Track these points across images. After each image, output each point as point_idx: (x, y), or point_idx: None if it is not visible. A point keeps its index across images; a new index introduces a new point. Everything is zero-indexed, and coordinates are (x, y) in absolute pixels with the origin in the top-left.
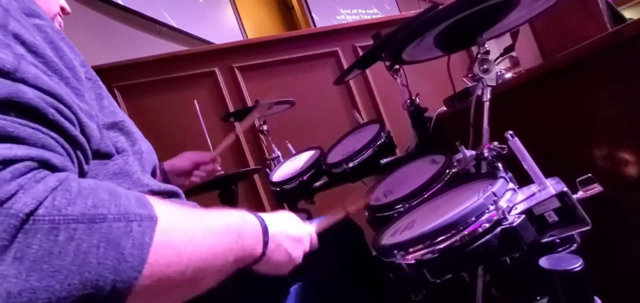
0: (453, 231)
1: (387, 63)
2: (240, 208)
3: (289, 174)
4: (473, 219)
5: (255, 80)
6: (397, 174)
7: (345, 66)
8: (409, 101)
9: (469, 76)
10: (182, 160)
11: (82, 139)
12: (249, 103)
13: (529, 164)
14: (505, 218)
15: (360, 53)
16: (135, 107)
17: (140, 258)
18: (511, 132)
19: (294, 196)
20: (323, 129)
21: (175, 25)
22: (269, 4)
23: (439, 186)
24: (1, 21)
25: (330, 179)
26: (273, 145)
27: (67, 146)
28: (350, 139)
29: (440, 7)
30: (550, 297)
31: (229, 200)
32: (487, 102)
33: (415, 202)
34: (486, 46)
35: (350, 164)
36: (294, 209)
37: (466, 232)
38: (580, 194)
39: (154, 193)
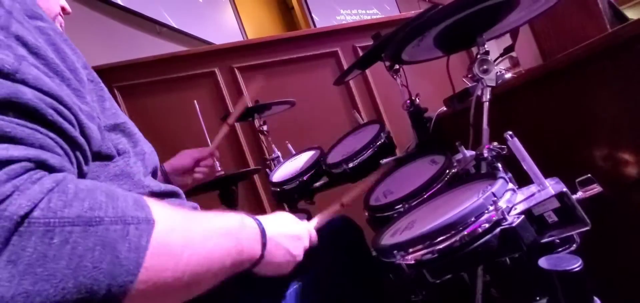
0: (453, 232)
1: (387, 63)
2: (241, 208)
3: (289, 175)
4: (473, 219)
5: (255, 80)
6: (397, 174)
7: (345, 66)
8: (408, 101)
9: (469, 76)
10: (182, 159)
11: (81, 140)
12: (249, 104)
13: (529, 164)
14: (504, 219)
15: (360, 53)
16: (135, 107)
17: (136, 262)
18: (511, 132)
19: (294, 197)
20: (323, 129)
21: (175, 26)
22: (269, 5)
23: (438, 186)
24: (3, 23)
25: (330, 180)
26: (273, 145)
27: (66, 146)
28: (350, 139)
29: (440, 7)
30: (550, 297)
31: (229, 200)
32: (487, 103)
33: (415, 202)
34: (486, 46)
35: (350, 165)
36: (294, 209)
37: (466, 232)
38: (579, 194)
39: (155, 194)
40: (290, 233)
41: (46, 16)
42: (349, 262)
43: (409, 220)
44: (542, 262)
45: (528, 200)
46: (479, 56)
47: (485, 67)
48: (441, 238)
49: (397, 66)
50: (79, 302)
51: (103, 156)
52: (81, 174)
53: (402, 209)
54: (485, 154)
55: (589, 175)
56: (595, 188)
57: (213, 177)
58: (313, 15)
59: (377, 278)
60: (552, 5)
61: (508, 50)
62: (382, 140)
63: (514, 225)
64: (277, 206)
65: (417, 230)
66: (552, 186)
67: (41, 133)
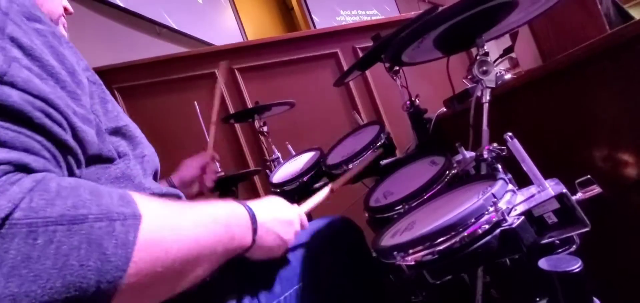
0: (453, 233)
1: (387, 64)
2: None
3: (289, 176)
4: (473, 220)
5: (255, 81)
6: (397, 175)
7: (345, 67)
8: (408, 102)
9: (469, 77)
10: (188, 169)
11: (72, 143)
12: (249, 104)
13: (528, 165)
14: (504, 220)
15: (360, 54)
16: (135, 108)
17: (125, 257)
18: (510, 133)
19: (294, 198)
20: (323, 130)
21: (175, 27)
22: (269, 6)
23: (438, 187)
24: None
25: (331, 181)
26: (273, 146)
27: (53, 149)
28: (350, 140)
29: (440, 8)
30: (550, 298)
31: None
32: (487, 104)
33: (415, 203)
34: (485, 47)
35: (350, 166)
36: None
37: (466, 233)
38: (579, 195)
39: (156, 196)
40: (281, 218)
41: (45, 18)
42: (349, 263)
43: (409, 221)
44: (542, 263)
45: (528, 201)
46: (478, 57)
47: (484, 68)
48: (441, 239)
49: (396, 67)
50: (69, 300)
51: (104, 159)
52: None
53: (402, 210)
54: (485, 155)
55: (589, 176)
56: (595, 189)
57: (214, 177)
58: (313, 16)
59: (378, 279)
60: (552, 6)
61: (508, 51)
62: (382, 141)
63: (514, 226)
64: None
65: (417, 231)
66: (551, 187)
67: (26, 135)
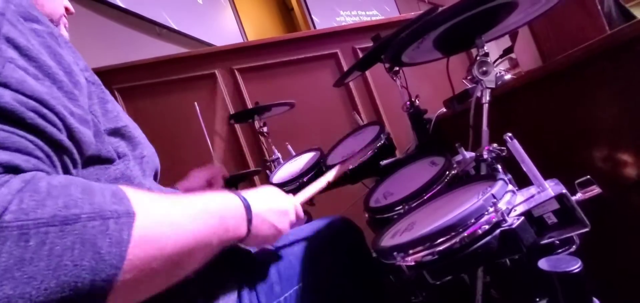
0: (453, 233)
1: (387, 65)
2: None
3: (289, 176)
4: (472, 221)
5: (255, 82)
6: (397, 175)
7: (345, 68)
8: (408, 102)
9: (468, 77)
10: (196, 180)
11: (68, 143)
12: (249, 105)
13: (528, 166)
14: (504, 220)
15: (360, 55)
16: (135, 109)
17: (120, 255)
18: (510, 134)
19: None
20: (323, 130)
21: (176, 27)
22: (269, 6)
23: (438, 187)
24: None
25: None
26: (273, 147)
27: (47, 149)
28: (350, 140)
29: (440, 9)
30: (550, 299)
31: None
32: (487, 104)
33: (415, 204)
34: (485, 47)
35: (350, 166)
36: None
37: (466, 234)
38: (579, 196)
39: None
40: (276, 208)
41: (43, 18)
42: (349, 264)
43: (409, 221)
44: (542, 263)
45: (528, 201)
46: (478, 58)
47: (484, 68)
48: (441, 239)
49: (396, 68)
50: (64, 299)
51: (103, 160)
52: None
53: (402, 210)
54: (485, 156)
55: (589, 177)
56: (595, 190)
57: None
58: (313, 16)
59: (378, 280)
60: (552, 6)
61: (507, 51)
62: (382, 142)
63: (513, 226)
64: None
65: (417, 231)
66: (551, 188)
67: (18, 135)
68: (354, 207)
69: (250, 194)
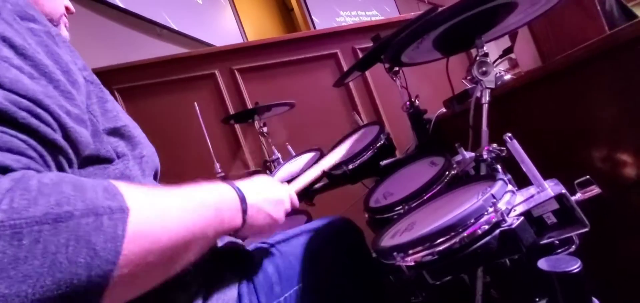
0: (452, 233)
1: (387, 65)
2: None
3: (289, 176)
4: (472, 221)
5: (255, 82)
6: (397, 176)
7: (345, 68)
8: (408, 102)
9: (468, 78)
10: None
11: (62, 143)
12: (249, 105)
13: (528, 166)
14: (504, 220)
15: (360, 55)
16: (135, 109)
17: (115, 251)
18: (510, 134)
19: None
20: (323, 131)
21: (176, 28)
22: (269, 6)
23: (438, 188)
24: None
25: (330, 181)
26: (273, 147)
27: (40, 149)
28: (350, 140)
29: (440, 9)
30: (549, 298)
31: None
32: (486, 104)
33: (414, 204)
34: (485, 48)
35: (350, 166)
36: (293, 211)
37: (465, 234)
38: (578, 196)
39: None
40: (271, 198)
41: (41, 17)
42: (349, 264)
43: (408, 221)
44: (542, 263)
45: (527, 201)
46: (478, 58)
47: (484, 69)
48: (441, 239)
49: (396, 68)
50: (61, 296)
51: (102, 159)
52: None
53: (402, 211)
54: (485, 156)
55: (588, 177)
56: (594, 190)
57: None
58: (313, 17)
59: (377, 280)
60: (551, 7)
61: (507, 51)
62: (382, 142)
63: (513, 226)
64: None
65: (417, 231)
66: (551, 188)
67: (10, 135)
68: (354, 207)
69: (244, 184)
